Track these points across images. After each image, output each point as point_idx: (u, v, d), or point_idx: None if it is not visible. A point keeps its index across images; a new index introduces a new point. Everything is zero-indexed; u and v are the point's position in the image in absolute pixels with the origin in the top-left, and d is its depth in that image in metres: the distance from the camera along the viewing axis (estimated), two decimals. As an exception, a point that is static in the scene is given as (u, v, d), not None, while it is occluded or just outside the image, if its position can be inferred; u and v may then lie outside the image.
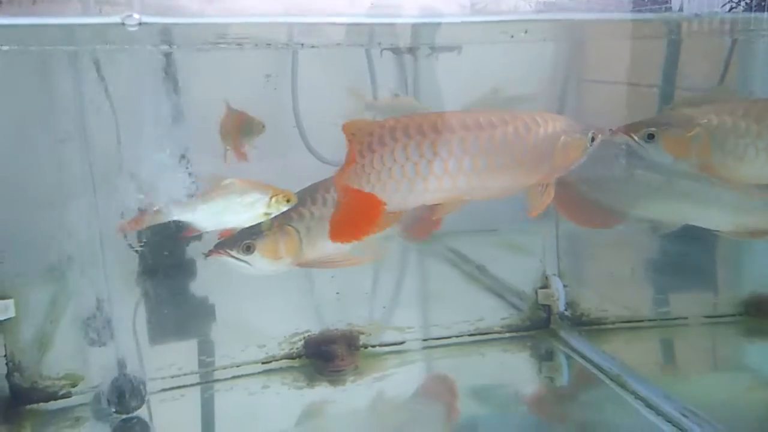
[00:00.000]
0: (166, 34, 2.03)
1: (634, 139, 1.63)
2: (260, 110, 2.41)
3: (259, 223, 1.60)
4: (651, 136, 1.61)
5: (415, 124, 1.43)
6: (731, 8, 1.64)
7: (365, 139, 1.43)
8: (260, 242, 1.57)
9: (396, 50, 2.62)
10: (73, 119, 1.81)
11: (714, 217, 1.79)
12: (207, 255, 1.62)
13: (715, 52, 2.16)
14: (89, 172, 1.83)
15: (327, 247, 1.65)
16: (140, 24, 1.36)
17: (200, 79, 2.31)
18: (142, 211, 1.59)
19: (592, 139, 1.51)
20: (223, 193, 1.53)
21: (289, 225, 1.61)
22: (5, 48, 1.65)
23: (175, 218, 1.53)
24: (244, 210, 1.53)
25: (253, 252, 1.57)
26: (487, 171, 1.44)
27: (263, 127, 1.90)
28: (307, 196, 1.62)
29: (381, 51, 2.59)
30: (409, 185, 1.43)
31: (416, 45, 2.55)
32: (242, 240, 1.57)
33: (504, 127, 1.44)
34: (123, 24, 1.36)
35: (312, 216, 1.63)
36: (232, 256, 1.57)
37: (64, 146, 1.84)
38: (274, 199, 1.53)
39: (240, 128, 1.87)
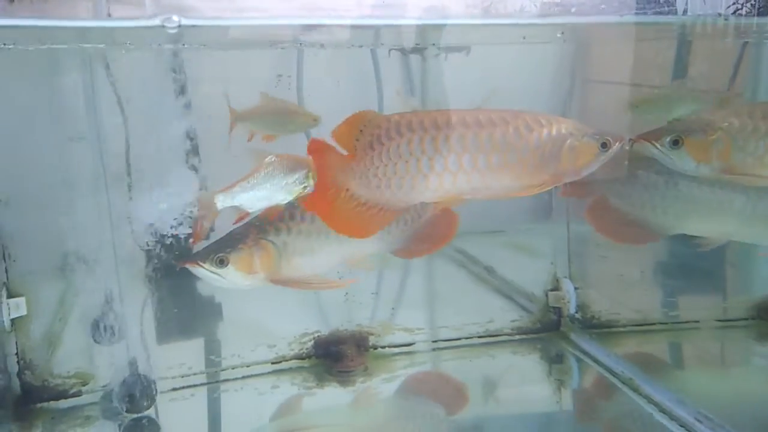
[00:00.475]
0: (177, 34, 2.03)
1: (657, 147, 1.60)
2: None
3: (235, 236, 1.59)
4: (675, 143, 1.59)
5: (417, 120, 1.43)
6: (736, 11, 1.63)
7: (375, 132, 1.42)
8: (234, 256, 1.55)
9: (403, 50, 2.62)
10: (84, 118, 1.81)
11: (762, 232, 1.76)
12: (179, 266, 1.60)
13: (725, 55, 2.15)
14: (101, 171, 1.83)
15: (305, 266, 1.63)
16: (179, 26, 1.36)
17: (207, 77, 2.31)
18: (195, 219, 1.59)
19: (604, 145, 1.48)
20: (267, 173, 1.52)
21: (266, 239, 1.59)
22: (11, 46, 1.65)
23: (225, 206, 1.53)
24: (288, 187, 1.52)
25: (226, 265, 1.54)
26: (487, 169, 1.44)
27: (315, 120, 1.88)
28: (286, 211, 1.59)
29: (389, 51, 2.58)
30: (411, 182, 1.43)
31: (423, 45, 2.54)
32: (216, 252, 1.55)
33: (504, 126, 1.43)
34: (163, 26, 1.36)
35: (289, 231, 1.60)
36: (205, 269, 1.55)
37: (76, 145, 1.84)
38: (311, 173, 1.52)
39: (290, 119, 1.85)
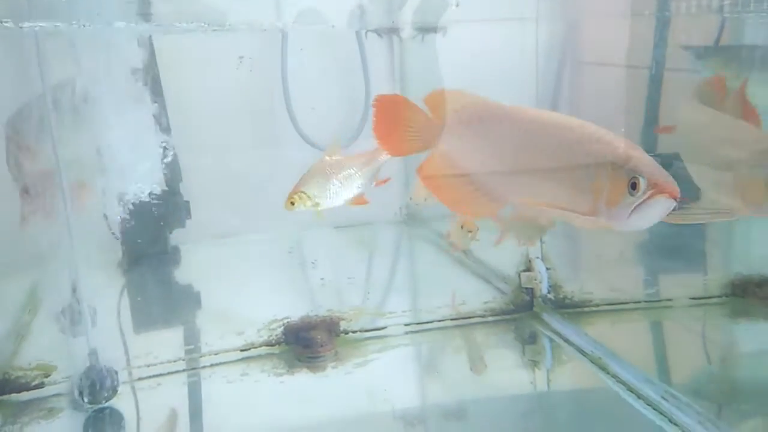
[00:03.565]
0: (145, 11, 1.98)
1: None
2: (247, 95, 2.38)
3: None
4: None
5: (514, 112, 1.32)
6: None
7: (475, 113, 1.32)
8: None
9: (378, 31, 2.58)
10: (46, 104, 1.77)
11: None
12: None
13: (707, 32, 2.11)
14: (63, 160, 1.80)
15: None
16: None
17: (180, 63, 2.28)
18: None
19: (633, 186, 1.11)
20: (341, 174, 1.55)
21: None
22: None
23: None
24: (355, 185, 1.56)
25: None
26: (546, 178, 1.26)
27: None
28: None
29: (366, 32, 2.54)
30: (500, 175, 1.31)
31: (403, 25, 2.50)
32: None
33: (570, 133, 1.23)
34: None
35: None
36: None
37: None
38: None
39: None
